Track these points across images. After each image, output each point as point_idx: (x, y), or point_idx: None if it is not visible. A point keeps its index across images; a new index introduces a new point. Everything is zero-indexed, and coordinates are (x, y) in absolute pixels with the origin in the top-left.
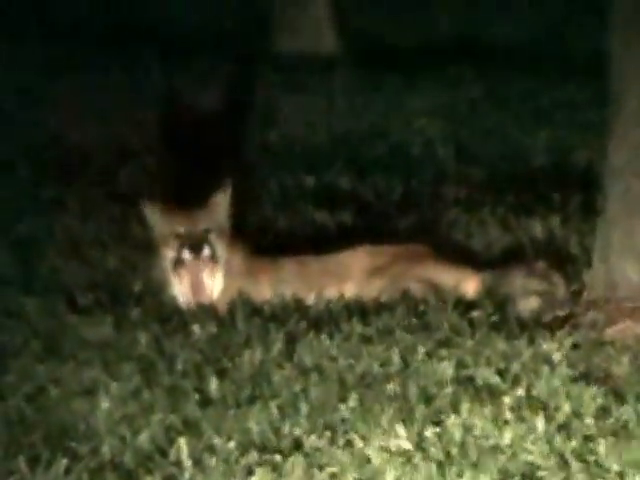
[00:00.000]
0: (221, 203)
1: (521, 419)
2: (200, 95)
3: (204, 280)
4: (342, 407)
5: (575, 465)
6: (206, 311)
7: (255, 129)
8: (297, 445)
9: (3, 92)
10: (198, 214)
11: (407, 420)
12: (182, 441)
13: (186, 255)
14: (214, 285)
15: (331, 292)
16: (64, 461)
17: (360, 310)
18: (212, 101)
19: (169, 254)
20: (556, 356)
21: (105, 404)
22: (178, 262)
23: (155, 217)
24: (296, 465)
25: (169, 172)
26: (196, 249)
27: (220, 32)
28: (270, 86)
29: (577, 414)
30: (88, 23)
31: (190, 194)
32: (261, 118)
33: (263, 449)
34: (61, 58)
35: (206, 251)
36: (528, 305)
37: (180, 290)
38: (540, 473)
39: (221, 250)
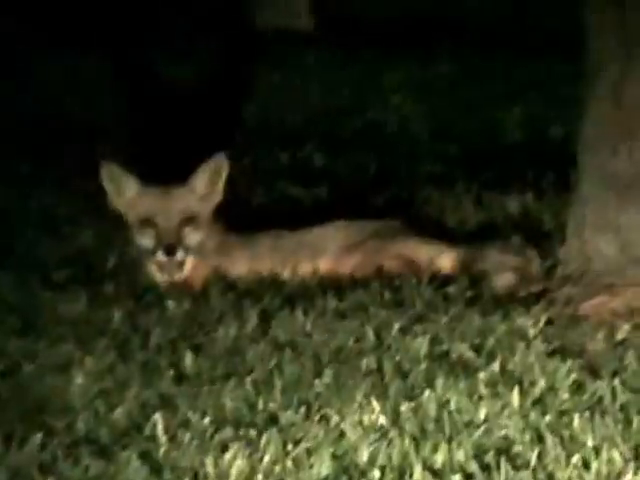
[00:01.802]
0: (202, 181)
1: (496, 394)
2: (178, 70)
3: (176, 269)
4: (317, 382)
5: (550, 440)
6: (180, 287)
7: (233, 105)
8: (272, 420)
9: None
10: (175, 194)
11: (382, 395)
12: (157, 416)
13: (160, 256)
14: (185, 268)
15: (306, 268)
16: (39, 436)
17: (335, 286)
18: (190, 76)
19: (144, 242)
20: (531, 331)
21: (80, 380)
22: (152, 253)
23: (129, 198)
24: (271, 440)
25: (145, 150)
26: (170, 251)
27: (200, 7)
28: (247, 62)
29: (552, 389)
30: None
31: (167, 173)
32: (237, 93)
33: (238, 424)
34: None
35: (180, 254)
36: (503, 281)
37: (154, 271)
38: (515, 448)
39: (197, 238)
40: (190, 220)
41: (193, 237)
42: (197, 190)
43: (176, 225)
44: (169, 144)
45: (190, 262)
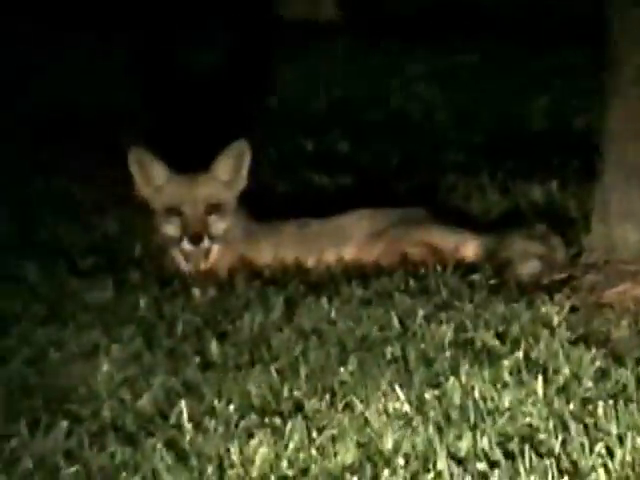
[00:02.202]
0: (225, 167)
1: (520, 382)
2: (203, 58)
3: (202, 258)
4: (342, 370)
5: (574, 428)
6: (206, 275)
7: (257, 94)
8: (297, 408)
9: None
10: (201, 182)
11: (406, 383)
12: (183, 404)
13: (186, 245)
14: (211, 257)
15: (330, 256)
16: (64, 424)
17: (359, 274)
18: (215, 64)
19: (169, 230)
20: (555, 319)
21: (105, 367)
22: (178, 242)
23: (156, 185)
24: (296, 428)
25: (169, 137)
26: (196, 241)
27: None
28: (271, 50)
29: (576, 377)
30: None
31: (191, 161)
32: (262, 83)
33: (263, 412)
34: None
35: (206, 243)
36: (527, 268)
37: (179, 259)
38: (539, 436)
39: (223, 226)
40: (215, 208)
41: (219, 225)
42: (221, 177)
43: (202, 213)
44: (193, 132)
45: (215, 250)
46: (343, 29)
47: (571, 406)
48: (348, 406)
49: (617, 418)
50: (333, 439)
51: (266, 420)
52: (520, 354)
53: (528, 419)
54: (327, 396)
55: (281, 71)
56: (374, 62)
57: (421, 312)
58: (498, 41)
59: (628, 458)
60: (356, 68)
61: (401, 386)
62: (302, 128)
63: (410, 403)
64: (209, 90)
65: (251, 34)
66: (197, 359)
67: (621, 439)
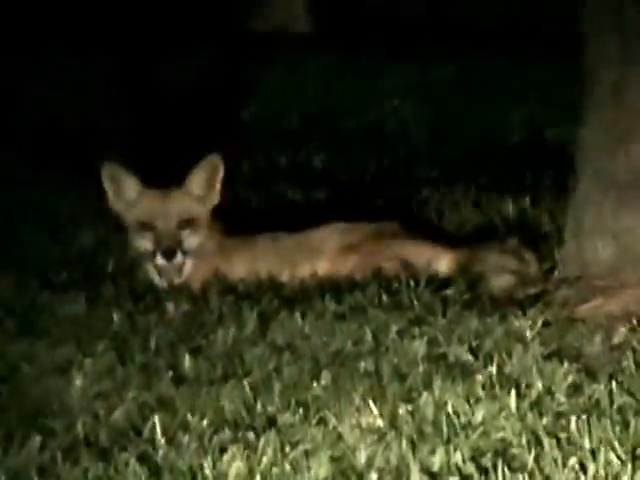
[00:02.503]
0: (198, 182)
1: (493, 397)
2: (176, 72)
3: (175, 273)
4: (315, 385)
5: (547, 442)
6: (180, 289)
7: (231, 108)
8: (270, 422)
9: None
10: (174, 197)
11: (380, 398)
12: (156, 418)
13: (159, 260)
14: (184, 271)
15: (304, 270)
16: (38, 438)
17: (333, 288)
18: (188, 79)
19: (142, 245)
20: (528, 334)
21: (79, 381)
22: (151, 257)
23: (129, 200)
24: (269, 442)
25: (144, 152)
26: (169, 256)
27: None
28: (245, 64)
29: (549, 392)
30: None
31: (166, 175)
32: (236, 97)
33: (236, 427)
34: None
35: (179, 257)
36: (500, 283)
37: (153, 274)
38: (512, 450)
39: (196, 241)
40: (189, 223)
41: (192, 240)
42: (194, 191)
43: (175, 228)
44: (168, 146)
45: (189, 265)
46: (317, 41)
47: (544, 421)
48: (321, 421)
49: (590, 433)
50: (306, 454)
51: (239, 435)
52: (493, 369)
53: (501, 434)
54: (300, 411)
55: (257, 84)
56: (349, 75)
57: (394, 327)
58: (473, 55)
59: (601, 473)
60: (331, 80)
61: (374, 401)
62: (276, 142)
63: (383, 418)
64: (183, 105)
65: (226, 47)
66: (170, 374)
67: (594, 454)
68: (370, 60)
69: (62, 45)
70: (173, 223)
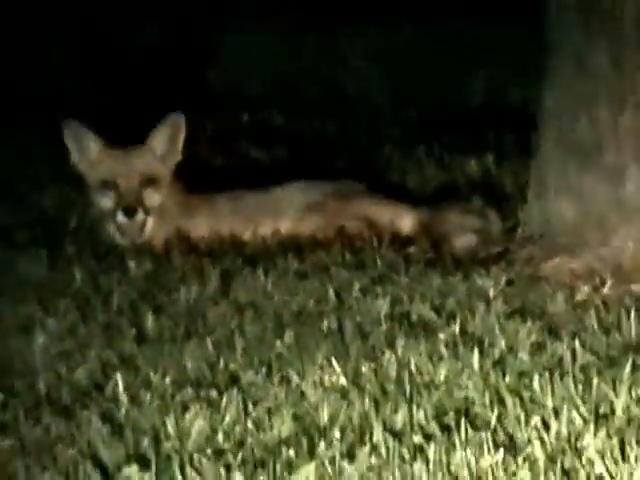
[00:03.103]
0: (160, 140)
1: (456, 355)
2: (141, 33)
3: (137, 231)
4: (278, 343)
5: (510, 401)
6: (142, 248)
7: (194, 68)
8: (233, 381)
9: None
10: (135, 155)
11: (343, 356)
12: (118, 377)
13: (120, 218)
14: (146, 230)
15: (267, 228)
16: (0, 397)
17: (296, 246)
18: (153, 39)
19: (104, 203)
20: (491, 292)
21: (41, 340)
22: (112, 215)
23: (91, 158)
24: (231, 400)
25: (107, 114)
26: (130, 214)
27: None
28: (209, 27)
29: (512, 350)
30: None
31: (127, 133)
32: (199, 58)
33: (199, 385)
34: None
35: (140, 216)
36: (463, 242)
37: (115, 232)
38: (475, 409)
39: (158, 199)
40: (150, 181)
41: (153, 198)
42: (156, 150)
43: (136, 186)
44: (131, 106)
45: (150, 223)
46: (280, 5)
47: (507, 379)
48: (284, 379)
49: (553, 391)
50: (269, 412)
51: (202, 393)
52: (456, 327)
53: (464, 392)
54: (263, 369)
55: (218, 46)
56: (310, 39)
57: (357, 285)
58: (435, 16)
59: (564, 431)
60: (293, 44)
61: (337, 359)
62: (239, 102)
63: (346, 376)
64: (146, 64)
65: (189, 9)
66: (133, 332)
67: (557, 412)
68: (331, 22)
69: (21, 7)
70: (135, 181)
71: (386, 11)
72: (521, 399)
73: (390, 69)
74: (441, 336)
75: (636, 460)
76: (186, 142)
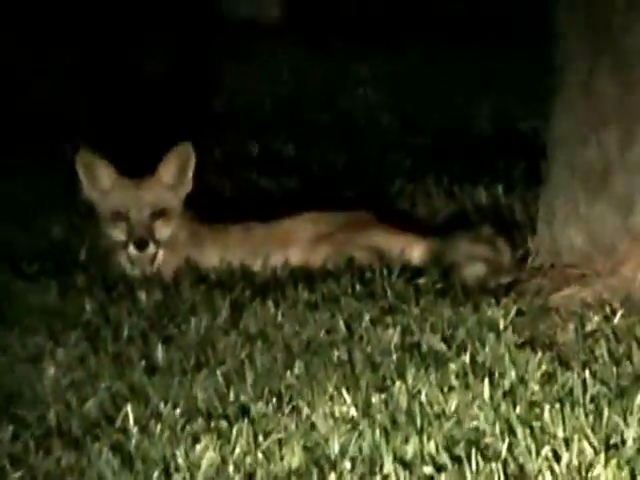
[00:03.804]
0: (170, 171)
1: (467, 386)
2: (146, 59)
3: (148, 263)
4: (288, 374)
5: (520, 431)
6: (152, 278)
7: (202, 96)
8: (243, 412)
9: None
10: (146, 186)
11: (353, 387)
12: (128, 408)
13: (132, 251)
14: (157, 261)
15: (277, 259)
16: (10, 428)
17: (306, 277)
18: (160, 68)
19: (115, 235)
20: (501, 323)
21: (51, 371)
22: (124, 247)
23: (103, 188)
24: (242, 432)
25: (115, 142)
26: (142, 246)
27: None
28: (216, 53)
29: (522, 380)
30: None
31: (138, 165)
32: (208, 85)
33: (209, 416)
34: None
35: (151, 248)
36: (473, 271)
37: (125, 264)
38: (486, 439)
39: (168, 231)
40: (161, 213)
41: (164, 230)
42: (166, 180)
43: (147, 219)
44: (140, 136)
45: (161, 255)
46: (288, 30)
47: (517, 410)
48: (294, 410)
49: (563, 422)
50: (279, 443)
51: (212, 424)
52: (466, 358)
53: (475, 423)
54: (273, 400)
55: (227, 73)
56: (319, 64)
57: (367, 316)
58: (444, 44)
59: (574, 462)
60: (301, 70)
61: (348, 390)
62: (248, 130)
63: (357, 407)
64: (155, 93)
65: (196, 36)
66: (143, 363)
67: (567, 443)
68: (339, 49)
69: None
70: (146, 214)
71: (394, 37)
72: (532, 429)
73: (399, 96)
74: (451, 366)
75: None
76: (195, 171)
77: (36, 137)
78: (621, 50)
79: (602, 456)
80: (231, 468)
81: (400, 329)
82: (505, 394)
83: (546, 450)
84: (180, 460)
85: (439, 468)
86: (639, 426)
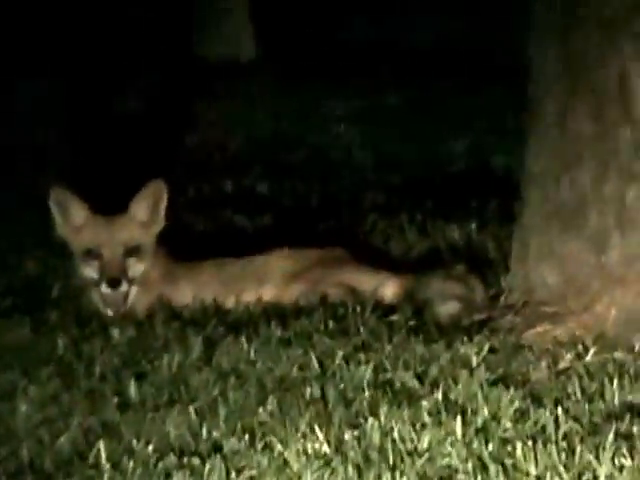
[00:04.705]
0: (142, 208)
1: (439, 423)
2: (120, 97)
3: (120, 301)
4: (261, 410)
5: (493, 468)
6: (125, 315)
7: (175, 133)
8: (216, 448)
9: None
10: (119, 224)
11: (326, 423)
12: (101, 444)
13: (104, 288)
14: (129, 299)
15: (250, 295)
16: None
17: (279, 314)
18: (132, 103)
19: (88, 273)
20: (474, 360)
21: (24, 407)
22: (96, 285)
23: (76, 226)
24: (215, 468)
25: (87, 178)
26: (114, 285)
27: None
28: (190, 91)
29: (495, 417)
30: None
31: (110, 202)
32: (181, 122)
33: (182, 452)
34: None
35: (124, 287)
36: (446, 309)
37: (98, 301)
38: (458, 476)
39: (141, 269)
40: (134, 250)
41: (137, 268)
42: (138, 217)
43: (120, 257)
44: (113, 173)
45: (134, 293)
46: (263, 69)
47: (490, 447)
48: (267, 446)
49: (536, 459)
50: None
51: (185, 460)
52: (439, 395)
53: (447, 460)
54: (246, 436)
55: (200, 111)
56: (294, 102)
57: (340, 353)
58: (418, 82)
59: None
60: (276, 108)
61: (320, 426)
62: (221, 168)
63: (329, 444)
64: (129, 130)
65: (171, 75)
66: (116, 399)
67: None
68: (314, 87)
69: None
70: (119, 251)
71: (369, 75)
72: (504, 467)
73: (372, 133)
74: (424, 403)
75: None
76: (168, 208)
77: (9, 172)
78: (596, 86)
79: None
80: None
81: (373, 366)
82: (478, 431)
83: None
84: None
85: None
86: (612, 463)
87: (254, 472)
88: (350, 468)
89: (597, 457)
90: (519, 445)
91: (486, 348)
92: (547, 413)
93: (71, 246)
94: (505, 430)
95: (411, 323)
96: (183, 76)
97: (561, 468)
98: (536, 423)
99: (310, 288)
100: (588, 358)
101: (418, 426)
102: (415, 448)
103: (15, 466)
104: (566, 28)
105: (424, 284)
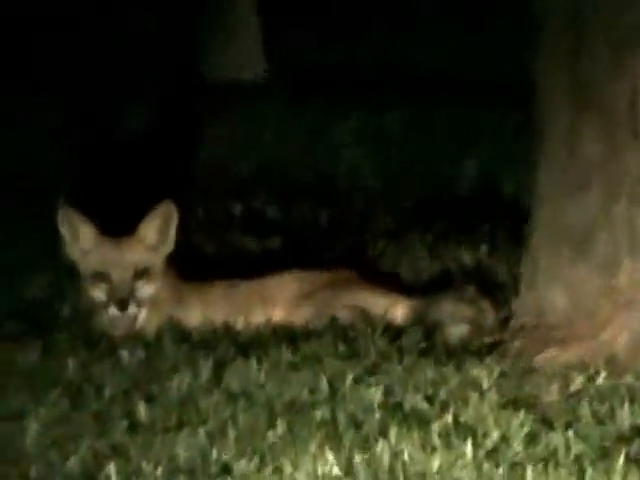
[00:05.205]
0: (152, 230)
1: (449, 445)
2: (127, 120)
3: (129, 323)
4: (270, 433)
5: None
6: (134, 337)
7: (184, 156)
8: (225, 471)
9: None
10: (128, 246)
11: (336, 446)
12: (111, 466)
13: (113, 311)
14: (138, 321)
15: (259, 317)
16: None
17: (288, 336)
18: (141, 124)
19: (96, 295)
20: (485, 382)
21: (34, 429)
22: (105, 307)
23: (84, 247)
24: None
25: (95, 199)
26: (123, 307)
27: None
28: (199, 113)
29: (505, 440)
30: None
31: (118, 224)
32: (189, 145)
33: (191, 475)
34: None
35: (132, 309)
36: (457, 331)
37: (107, 323)
38: None
39: (150, 291)
40: (143, 273)
41: (146, 290)
42: (147, 239)
43: (129, 279)
44: (122, 195)
45: (143, 315)
46: (271, 90)
47: (500, 470)
48: (277, 469)
49: None
50: None
51: None
52: (449, 417)
53: None
54: (256, 459)
55: (209, 133)
56: (301, 123)
57: (350, 375)
58: (427, 103)
59: None
60: (284, 129)
61: (330, 449)
62: (230, 190)
63: (339, 466)
64: (138, 152)
65: (180, 96)
66: (125, 421)
67: None
68: (322, 108)
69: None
70: (128, 274)
71: (377, 95)
72: None
73: (381, 155)
74: (434, 426)
75: None
76: (178, 231)
77: (17, 194)
78: (605, 107)
79: None
80: None
81: (383, 388)
82: (488, 454)
83: None
84: None
85: None
86: None
87: None
88: None
89: None
90: (530, 468)
91: (496, 371)
92: (558, 436)
93: (79, 268)
94: (516, 453)
95: (421, 345)
96: (192, 98)
97: None
98: (547, 446)
99: (320, 310)
100: (599, 381)
101: (428, 449)
102: (425, 470)
103: None
104: (575, 49)
105: (434, 306)
